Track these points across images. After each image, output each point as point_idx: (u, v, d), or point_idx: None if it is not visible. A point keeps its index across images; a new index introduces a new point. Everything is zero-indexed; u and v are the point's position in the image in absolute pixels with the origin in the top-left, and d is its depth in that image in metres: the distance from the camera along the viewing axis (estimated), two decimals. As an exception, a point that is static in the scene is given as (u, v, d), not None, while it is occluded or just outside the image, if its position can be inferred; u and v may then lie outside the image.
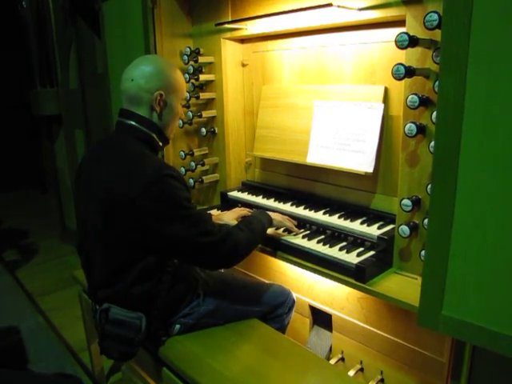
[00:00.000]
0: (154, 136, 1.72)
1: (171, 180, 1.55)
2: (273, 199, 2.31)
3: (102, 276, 1.69)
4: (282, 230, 2.03)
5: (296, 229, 1.99)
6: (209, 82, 2.52)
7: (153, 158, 1.62)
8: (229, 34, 2.37)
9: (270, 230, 1.98)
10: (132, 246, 1.60)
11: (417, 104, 1.52)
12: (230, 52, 2.46)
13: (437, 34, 1.44)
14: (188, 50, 2.47)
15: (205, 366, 1.65)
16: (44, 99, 4.57)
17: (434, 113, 1.44)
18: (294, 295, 2.14)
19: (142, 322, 1.66)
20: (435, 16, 1.36)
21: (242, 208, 2.28)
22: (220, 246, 1.64)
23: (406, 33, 1.47)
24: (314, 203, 2.16)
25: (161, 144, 1.77)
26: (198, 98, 2.48)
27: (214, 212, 2.35)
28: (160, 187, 1.52)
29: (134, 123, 1.69)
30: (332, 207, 2.09)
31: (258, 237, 1.83)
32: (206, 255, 1.65)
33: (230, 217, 2.15)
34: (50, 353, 2.93)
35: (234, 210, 2.24)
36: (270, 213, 2.01)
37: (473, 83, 1.10)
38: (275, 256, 1.99)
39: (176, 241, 1.58)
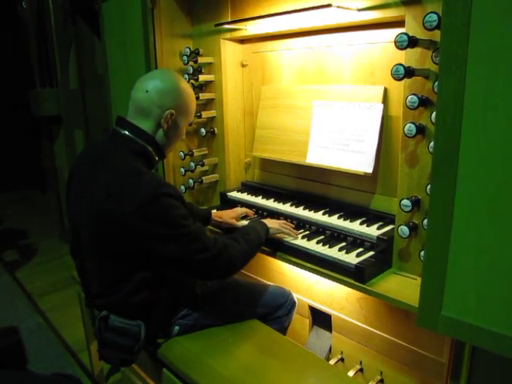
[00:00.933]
0: (150, 149, 1.67)
1: (168, 199, 1.51)
2: (272, 199, 2.30)
3: (98, 286, 1.66)
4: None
5: (294, 233, 1.97)
6: (208, 83, 2.52)
7: (148, 175, 1.56)
8: (228, 35, 2.37)
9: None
10: (127, 262, 1.57)
11: (416, 104, 1.52)
12: (229, 52, 2.46)
13: (436, 35, 1.44)
14: (187, 50, 2.47)
15: (204, 366, 1.65)
16: (44, 99, 4.57)
17: (434, 113, 1.44)
18: (295, 296, 2.14)
19: (141, 329, 1.65)
20: (434, 16, 1.35)
21: (242, 208, 2.29)
22: (217, 261, 1.63)
23: (406, 33, 1.47)
24: (314, 203, 2.16)
25: (157, 158, 1.72)
26: (197, 98, 2.47)
27: (213, 212, 2.35)
28: (156, 207, 1.48)
29: (130, 134, 1.64)
30: (331, 207, 2.09)
31: (254, 247, 1.81)
32: (203, 270, 1.64)
33: (229, 215, 2.16)
34: (49, 353, 2.93)
35: (233, 209, 2.25)
36: (267, 220, 1.99)
37: (472, 83, 1.10)
38: (275, 256, 1.99)
39: (173, 259, 1.57)
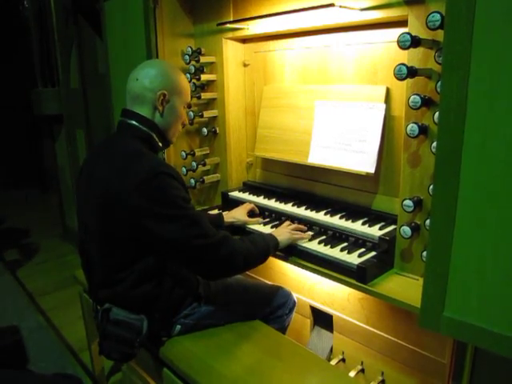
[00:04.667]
0: (154, 135, 1.73)
1: (167, 178, 1.54)
2: (274, 199, 2.30)
3: (102, 276, 1.69)
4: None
5: (307, 235, 1.94)
6: (210, 82, 2.52)
7: (151, 156, 1.62)
8: (230, 34, 2.36)
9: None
10: (129, 246, 1.59)
11: (419, 104, 1.52)
12: (231, 52, 2.46)
13: (439, 35, 1.44)
14: (189, 49, 2.47)
15: (205, 366, 1.65)
16: (45, 99, 4.57)
17: (436, 113, 1.44)
18: (295, 296, 2.14)
19: (143, 323, 1.66)
20: (438, 16, 1.35)
21: (249, 203, 2.29)
22: (216, 250, 1.61)
23: (409, 33, 1.47)
24: (315, 203, 2.15)
25: (160, 145, 1.77)
26: (199, 97, 2.48)
27: (220, 212, 2.35)
28: (154, 184, 1.51)
29: (134, 122, 1.70)
30: (333, 208, 2.09)
31: (259, 251, 1.77)
32: (202, 259, 1.61)
33: (240, 212, 2.19)
34: (50, 353, 2.93)
35: (242, 206, 2.26)
36: (276, 231, 1.94)
37: (475, 83, 1.10)
38: (276, 257, 1.98)
39: (171, 242, 1.55)
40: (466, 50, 1.09)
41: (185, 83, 1.81)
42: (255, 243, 1.77)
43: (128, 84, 1.74)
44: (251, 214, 2.25)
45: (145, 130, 1.70)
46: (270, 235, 1.88)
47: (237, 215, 2.17)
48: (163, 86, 1.70)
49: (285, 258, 1.94)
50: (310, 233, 1.98)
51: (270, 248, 1.81)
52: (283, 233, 1.92)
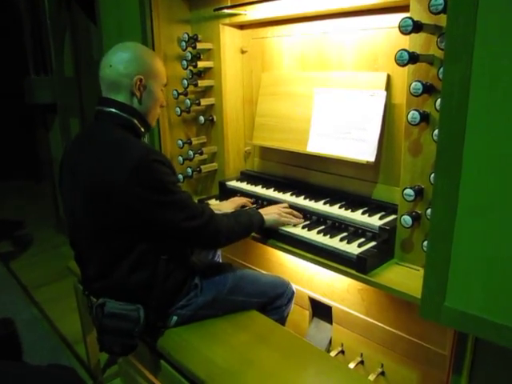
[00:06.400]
0: (135, 121, 1.73)
1: (158, 165, 1.57)
2: (272, 189, 2.30)
3: (95, 268, 1.70)
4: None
5: (296, 220, 1.99)
6: (207, 69, 2.51)
7: (138, 143, 1.64)
8: (228, 20, 2.35)
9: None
10: (121, 234, 1.61)
11: (420, 91, 1.51)
12: (228, 38, 2.44)
13: (442, 19, 1.43)
14: (186, 36, 2.45)
15: (203, 357, 1.65)
16: (38, 87, 4.55)
17: (438, 100, 1.43)
18: (294, 286, 2.14)
19: (140, 313, 1.66)
20: (440, 0, 1.34)
21: (241, 197, 2.29)
22: (203, 230, 1.69)
23: (410, 18, 1.46)
24: (314, 193, 2.15)
25: (142, 130, 1.77)
26: (196, 85, 2.46)
27: (213, 202, 2.35)
28: (147, 173, 1.53)
29: (114, 110, 1.69)
30: (332, 197, 2.08)
31: (242, 228, 1.85)
32: (190, 239, 1.73)
33: (228, 206, 2.17)
34: (44, 345, 2.94)
35: (232, 199, 2.26)
36: (265, 210, 2.00)
37: (479, 69, 1.09)
38: (274, 246, 1.99)
39: (163, 226, 1.61)
40: (469, 35, 1.08)
41: (160, 65, 1.80)
42: (239, 221, 1.84)
43: (101, 71, 1.72)
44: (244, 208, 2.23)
45: (126, 116, 1.70)
46: (257, 213, 1.95)
47: (223, 208, 2.15)
48: (139, 71, 1.70)
49: (282, 248, 1.95)
50: (301, 216, 2.03)
51: (253, 225, 1.90)
52: (271, 213, 1.98)
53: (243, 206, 2.23)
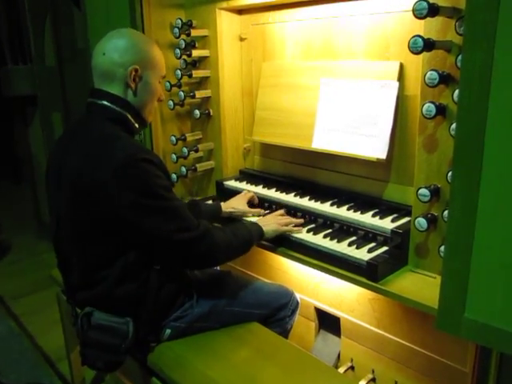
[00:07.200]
0: (129, 116, 1.72)
1: (147, 165, 1.55)
2: (274, 189, 2.31)
3: (80, 276, 1.69)
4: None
5: (296, 228, 1.99)
6: (203, 59, 2.51)
7: (127, 141, 1.63)
8: (225, 4, 2.35)
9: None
10: (107, 241, 1.61)
11: (436, 81, 1.51)
12: (226, 24, 2.44)
13: (460, 1, 1.43)
14: (179, 22, 2.45)
15: (199, 374, 1.65)
16: (16, 78, 4.55)
17: (456, 91, 1.44)
18: (298, 296, 2.14)
19: (129, 327, 1.66)
20: (458, -19, 1.34)
21: (248, 192, 2.30)
22: (197, 244, 1.65)
23: (425, 0, 1.46)
24: (320, 193, 2.16)
25: (137, 126, 1.77)
26: (190, 76, 2.47)
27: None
28: (133, 172, 1.52)
29: (106, 103, 1.69)
30: (340, 198, 2.09)
31: (240, 243, 1.83)
32: (180, 253, 1.66)
33: (239, 202, 2.20)
34: (23, 362, 2.94)
35: (240, 195, 2.27)
36: (262, 220, 2.01)
37: (501, 57, 1.09)
38: (276, 252, 2.00)
39: (151, 236, 1.59)
40: (491, 19, 1.08)
41: (159, 55, 1.80)
42: (237, 234, 1.81)
43: (94, 59, 1.71)
44: (251, 204, 2.25)
45: (118, 110, 1.69)
46: (256, 225, 1.93)
47: (236, 205, 2.18)
48: (134, 60, 1.69)
49: (286, 254, 1.95)
50: (301, 221, 2.03)
51: (252, 239, 1.88)
52: (270, 223, 1.97)
53: (251, 201, 2.26)
